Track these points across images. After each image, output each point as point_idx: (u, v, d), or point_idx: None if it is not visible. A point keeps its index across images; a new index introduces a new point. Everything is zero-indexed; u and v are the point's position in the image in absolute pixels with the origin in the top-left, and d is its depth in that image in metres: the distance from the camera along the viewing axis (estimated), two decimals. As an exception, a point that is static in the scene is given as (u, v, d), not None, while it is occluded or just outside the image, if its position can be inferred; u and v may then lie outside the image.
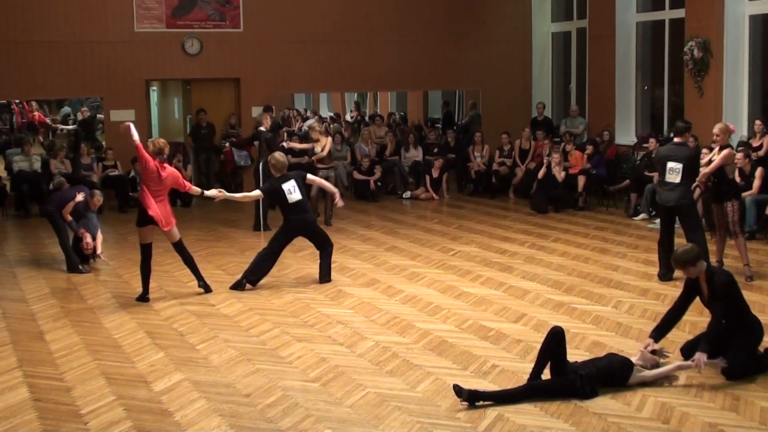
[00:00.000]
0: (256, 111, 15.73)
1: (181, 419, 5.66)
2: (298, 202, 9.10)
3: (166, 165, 8.63)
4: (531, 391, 5.87)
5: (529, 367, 6.52)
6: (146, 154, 8.47)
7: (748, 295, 6.96)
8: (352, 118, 20.03)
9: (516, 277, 9.41)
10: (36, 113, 18.25)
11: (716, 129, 9.21)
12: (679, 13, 13.92)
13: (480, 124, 17.16)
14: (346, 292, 8.89)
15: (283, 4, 15.78)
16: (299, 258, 10.23)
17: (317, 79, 16.24)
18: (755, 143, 11.89)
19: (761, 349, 6.45)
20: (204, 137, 15.66)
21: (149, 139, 9.02)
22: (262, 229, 12.35)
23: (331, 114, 20.42)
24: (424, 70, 16.72)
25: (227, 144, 15.70)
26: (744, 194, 11.15)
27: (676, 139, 9.16)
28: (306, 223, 9.21)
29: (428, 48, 16.65)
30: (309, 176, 9.48)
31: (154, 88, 18.40)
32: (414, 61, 16.60)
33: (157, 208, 8.48)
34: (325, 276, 9.29)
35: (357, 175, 15.44)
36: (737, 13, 13.04)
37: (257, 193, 9.56)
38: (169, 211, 8.70)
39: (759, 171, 11.24)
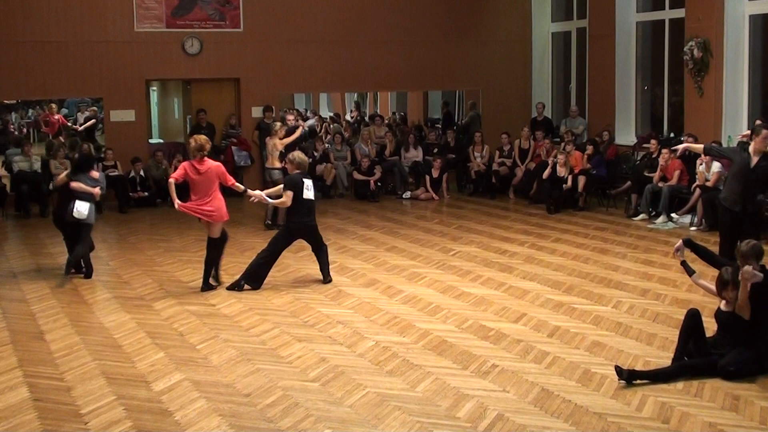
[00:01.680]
0: (256, 111, 15.76)
1: (181, 419, 5.66)
2: (308, 201, 9.11)
3: (205, 159, 8.84)
4: (680, 370, 6.22)
5: (529, 366, 6.54)
6: (179, 175, 8.82)
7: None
8: (352, 118, 20.03)
9: (516, 277, 9.41)
10: (58, 116, 18.08)
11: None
12: (679, 13, 13.92)
13: (480, 124, 17.16)
14: (346, 292, 8.89)
15: (283, 4, 15.78)
16: (299, 258, 10.22)
17: (317, 79, 16.24)
18: (755, 143, 11.87)
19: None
20: (204, 137, 15.63)
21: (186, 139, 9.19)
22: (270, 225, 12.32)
23: (331, 114, 20.43)
24: (424, 70, 16.72)
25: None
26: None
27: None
28: (308, 227, 9.21)
29: (428, 48, 16.65)
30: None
31: (154, 88, 18.42)
32: (414, 61, 16.60)
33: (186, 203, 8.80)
34: (328, 275, 9.31)
35: (357, 175, 15.44)
36: (737, 13, 13.04)
37: (289, 195, 9.03)
38: (217, 206, 8.86)
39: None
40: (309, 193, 9.10)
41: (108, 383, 6.32)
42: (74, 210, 9.40)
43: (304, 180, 9.10)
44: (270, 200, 9.40)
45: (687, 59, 13.27)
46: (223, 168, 9.02)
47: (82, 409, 5.84)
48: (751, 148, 8.30)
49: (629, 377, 6.12)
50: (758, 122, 11.94)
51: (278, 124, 12.75)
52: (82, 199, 9.44)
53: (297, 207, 9.07)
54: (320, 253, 9.33)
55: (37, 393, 6.16)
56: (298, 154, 9.38)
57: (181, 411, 5.78)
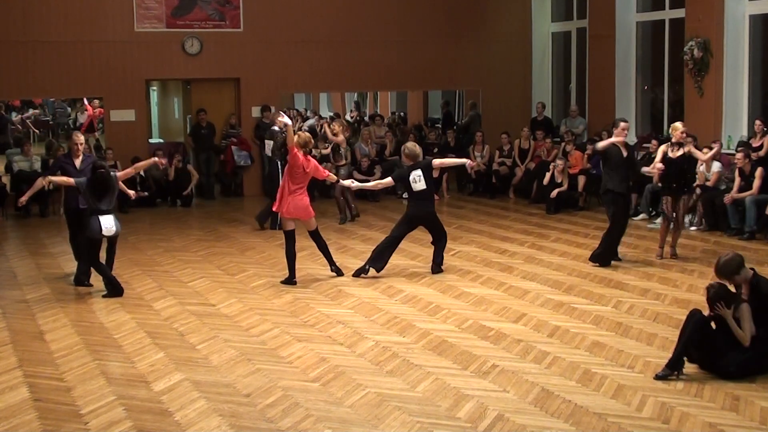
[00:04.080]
0: (256, 111, 15.76)
1: (181, 419, 5.65)
2: (422, 192, 9.47)
3: (309, 157, 9.19)
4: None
5: (528, 366, 6.54)
6: (296, 151, 9.00)
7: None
8: (352, 118, 20.03)
9: (516, 277, 9.41)
10: (98, 109, 17.97)
11: (680, 126, 9.87)
12: (679, 13, 13.92)
13: (480, 124, 17.15)
14: (346, 292, 8.89)
15: (283, 4, 15.77)
16: (299, 258, 10.18)
17: (317, 79, 16.24)
18: (755, 143, 11.89)
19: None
20: (204, 137, 15.66)
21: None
22: (270, 226, 12.26)
23: (331, 114, 20.42)
24: (424, 70, 16.70)
25: (231, 139, 15.59)
26: (744, 194, 11.19)
27: None
28: (427, 213, 9.56)
29: (428, 48, 16.64)
30: (435, 161, 9.86)
31: (154, 88, 18.41)
32: (414, 61, 16.59)
33: (288, 204, 9.02)
34: (438, 267, 9.59)
35: (357, 175, 15.41)
36: (737, 13, 13.04)
37: (389, 180, 9.95)
38: (307, 203, 9.18)
39: (759, 171, 11.24)
40: (418, 185, 9.45)
41: (108, 383, 6.32)
42: (102, 228, 8.65)
43: (412, 173, 9.45)
44: (368, 184, 10.15)
45: (687, 59, 13.27)
46: (317, 163, 9.43)
47: (82, 409, 5.84)
48: (618, 141, 9.51)
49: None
50: (758, 122, 12.01)
51: (336, 124, 13.63)
52: (101, 213, 8.67)
53: (414, 195, 9.51)
54: (438, 244, 9.68)
55: (37, 393, 6.16)
56: (409, 146, 9.76)
57: (181, 411, 5.78)
